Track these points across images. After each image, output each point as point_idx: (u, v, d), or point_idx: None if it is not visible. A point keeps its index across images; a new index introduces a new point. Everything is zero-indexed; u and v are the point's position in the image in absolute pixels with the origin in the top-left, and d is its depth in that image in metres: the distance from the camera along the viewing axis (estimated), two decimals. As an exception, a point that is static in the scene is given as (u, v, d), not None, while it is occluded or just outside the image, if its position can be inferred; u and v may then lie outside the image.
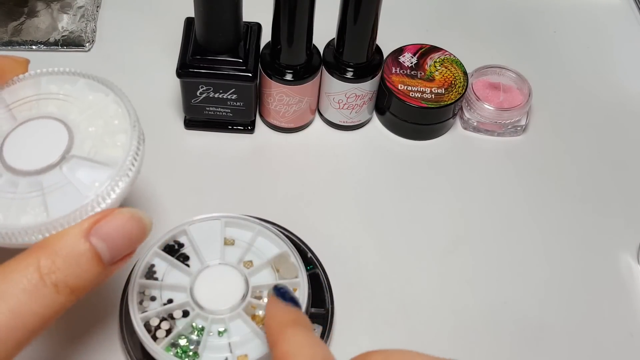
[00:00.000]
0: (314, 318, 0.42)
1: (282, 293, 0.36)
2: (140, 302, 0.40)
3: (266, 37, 0.49)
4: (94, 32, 0.57)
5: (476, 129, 0.54)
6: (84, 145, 0.35)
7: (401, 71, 0.52)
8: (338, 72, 0.49)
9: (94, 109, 0.37)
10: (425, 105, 0.51)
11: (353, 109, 0.51)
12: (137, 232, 0.31)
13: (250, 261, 0.42)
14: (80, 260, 0.29)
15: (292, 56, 0.48)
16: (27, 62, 0.38)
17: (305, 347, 0.31)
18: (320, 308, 0.43)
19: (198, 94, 0.49)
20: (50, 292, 0.28)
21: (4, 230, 0.32)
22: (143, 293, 0.40)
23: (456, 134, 0.54)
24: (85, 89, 0.38)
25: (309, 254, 0.45)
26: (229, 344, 0.38)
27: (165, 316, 0.39)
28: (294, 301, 0.36)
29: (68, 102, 0.37)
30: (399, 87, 0.51)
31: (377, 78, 0.50)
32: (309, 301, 0.40)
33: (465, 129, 0.54)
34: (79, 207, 0.32)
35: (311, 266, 0.44)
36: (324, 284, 0.44)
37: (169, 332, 0.38)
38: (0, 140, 0.35)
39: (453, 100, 0.51)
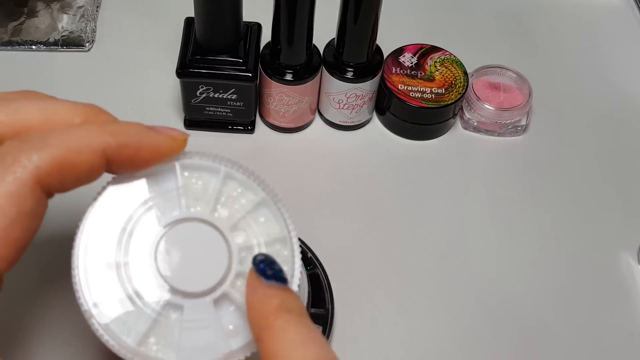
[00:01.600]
0: (314, 318, 0.42)
1: (262, 270, 0.28)
2: None
3: (266, 37, 0.49)
4: (94, 32, 0.57)
5: (476, 129, 0.54)
6: (237, 281, 0.30)
7: (401, 71, 0.52)
8: (338, 72, 0.49)
9: (261, 239, 0.31)
10: (426, 105, 0.51)
11: (353, 109, 0.51)
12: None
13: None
14: None
15: (292, 56, 0.48)
16: (186, 139, 0.31)
17: (296, 346, 0.26)
18: (320, 308, 0.43)
19: (198, 94, 0.49)
20: None
21: (119, 347, 0.28)
22: None
23: (456, 134, 0.54)
24: (261, 206, 0.32)
25: (309, 254, 0.45)
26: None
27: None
28: (277, 277, 0.28)
29: (238, 215, 0.31)
30: (399, 87, 0.51)
31: (377, 78, 0.50)
32: (309, 301, 0.40)
33: (465, 129, 0.54)
34: None
35: (311, 266, 0.44)
36: (324, 284, 0.44)
37: None
38: (163, 229, 0.30)
39: (453, 100, 0.51)
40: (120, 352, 0.28)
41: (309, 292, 0.40)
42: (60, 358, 0.41)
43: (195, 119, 0.52)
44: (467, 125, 0.54)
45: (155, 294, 0.29)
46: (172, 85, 0.53)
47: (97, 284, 0.29)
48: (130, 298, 0.29)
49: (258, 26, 0.50)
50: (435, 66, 0.52)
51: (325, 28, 0.49)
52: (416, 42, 0.54)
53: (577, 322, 0.45)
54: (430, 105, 0.51)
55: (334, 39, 0.49)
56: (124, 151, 0.28)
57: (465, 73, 0.52)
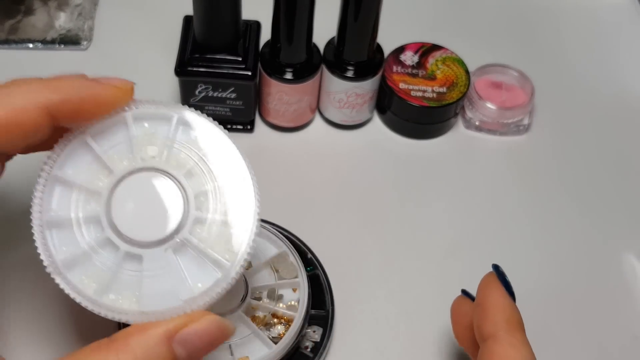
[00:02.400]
0: (314, 319, 0.42)
1: (501, 273, 0.34)
2: None
3: (266, 35, 0.48)
4: (92, 30, 0.56)
5: (478, 128, 0.53)
6: (197, 227, 0.31)
7: (402, 70, 0.52)
8: (338, 70, 0.49)
9: (221, 182, 0.31)
10: (427, 105, 0.50)
11: (354, 108, 0.51)
12: (219, 340, 0.29)
13: (249, 262, 0.36)
14: None
15: (292, 55, 0.47)
16: (132, 88, 0.31)
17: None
18: (321, 309, 0.42)
19: (197, 92, 0.49)
20: None
21: (90, 305, 0.29)
22: None
23: (458, 134, 0.54)
24: (214, 144, 0.32)
25: (309, 255, 0.44)
26: (230, 345, 0.38)
27: None
28: (511, 290, 0.34)
29: (192, 160, 0.32)
30: (400, 86, 0.51)
31: (378, 77, 0.50)
32: (309, 302, 0.40)
33: (467, 128, 0.54)
34: (170, 309, 0.29)
35: (311, 267, 0.44)
36: (324, 285, 0.43)
37: None
38: (105, 197, 0.30)
39: (455, 100, 0.51)
40: (83, 303, 0.29)
41: (309, 293, 0.40)
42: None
43: (194, 118, 0.51)
44: (468, 125, 0.54)
45: (113, 246, 0.30)
46: (170, 84, 0.53)
47: (57, 242, 0.30)
48: (88, 252, 0.30)
49: (257, 24, 0.49)
50: (437, 65, 0.52)
51: (325, 26, 0.49)
52: (417, 41, 0.53)
53: (580, 324, 0.45)
54: (431, 105, 0.50)
55: (334, 37, 0.49)
56: (67, 106, 0.29)
57: (467, 72, 0.52)
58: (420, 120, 0.52)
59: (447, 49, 0.53)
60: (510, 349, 0.31)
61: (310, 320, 0.41)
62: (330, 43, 0.50)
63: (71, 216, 0.30)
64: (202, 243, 0.30)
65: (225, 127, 0.51)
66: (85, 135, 0.31)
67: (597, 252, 0.48)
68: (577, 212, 0.50)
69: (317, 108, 0.53)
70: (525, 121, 0.53)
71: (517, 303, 0.46)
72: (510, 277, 0.47)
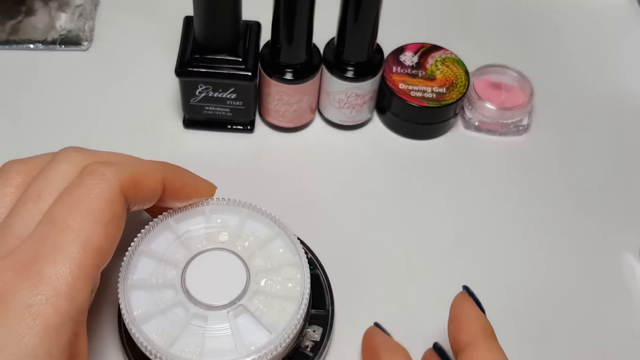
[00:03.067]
0: (314, 319, 0.42)
1: (472, 293, 0.38)
2: None
3: (266, 35, 0.48)
4: (92, 30, 0.57)
5: (478, 129, 0.54)
6: (255, 298, 0.37)
7: (402, 70, 0.52)
8: (338, 71, 0.49)
9: (276, 263, 0.38)
10: (426, 105, 0.50)
11: (353, 108, 0.51)
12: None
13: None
14: None
15: (292, 55, 0.48)
16: (215, 188, 0.40)
17: None
18: (321, 309, 0.42)
19: (197, 93, 0.49)
20: None
21: (155, 349, 0.34)
22: None
23: (457, 134, 0.54)
24: (276, 237, 0.39)
25: (309, 255, 0.44)
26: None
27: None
28: (481, 307, 0.37)
29: (256, 245, 0.39)
30: (400, 87, 0.51)
31: (377, 77, 0.50)
32: (310, 301, 0.40)
33: (466, 128, 0.54)
34: None
35: (312, 267, 0.44)
36: (324, 285, 0.44)
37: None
38: (190, 255, 0.38)
39: (454, 100, 0.51)
40: (153, 352, 0.34)
41: (309, 293, 0.40)
42: None
43: (195, 119, 0.51)
44: (468, 125, 0.54)
45: (183, 307, 0.36)
46: (171, 85, 0.53)
47: (138, 301, 0.36)
48: (164, 310, 0.36)
49: (257, 25, 0.50)
50: (436, 65, 0.52)
51: (325, 27, 0.49)
52: (417, 41, 0.54)
53: (578, 323, 0.45)
54: (431, 105, 0.50)
55: (334, 37, 0.49)
56: (175, 183, 0.37)
57: (467, 72, 0.52)
58: (419, 120, 0.52)
59: (446, 50, 0.53)
60: (487, 353, 0.34)
61: (310, 320, 0.41)
62: (330, 43, 0.50)
63: (152, 282, 0.37)
64: (258, 310, 0.36)
65: (225, 128, 0.52)
66: (170, 220, 0.39)
67: (596, 251, 0.49)
68: (576, 212, 0.50)
69: (317, 108, 0.53)
70: (525, 121, 0.53)
71: (516, 303, 0.46)
72: (509, 277, 0.48)
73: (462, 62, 0.53)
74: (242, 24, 0.47)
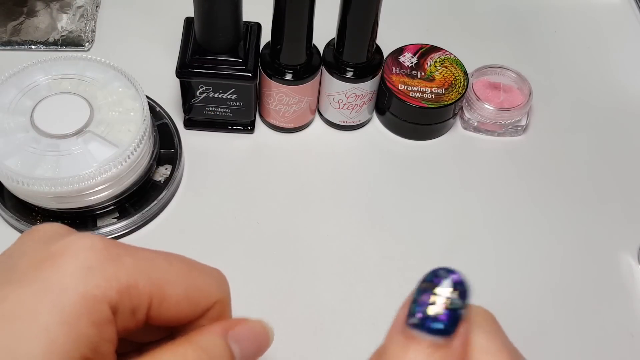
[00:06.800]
0: (164, 158, 0.48)
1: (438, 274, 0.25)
2: None
3: (266, 36, 0.49)
4: (94, 31, 0.57)
5: (476, 129, 0.54)
6: (100, 125, 0.43)
7: (401, 71, 0.52)
8: (338, 72, 0.49)
9: (116, 97, 0.45)
10: (426, 105, 0.51)
11: (353, 109, 0.51)
12: (264, 342, 0.31)
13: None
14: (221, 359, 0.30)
15: (292, 56, 0.48)
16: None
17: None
18: (170, 149, 0.49)
19: (198, 94, 0.49)
20: None
21: (20, 178, 0.41)
22: None
23: (456, 134, 0.54)
24: (114, 79, 0.45)
25: (157, 108, 0.50)
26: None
27: None
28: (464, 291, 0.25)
29: (96, 87, 0.45)
30: (399, 87, 0.51)
31: (377, 78, 0.50)
32: (158, 143, 0.48)
33: (465, 129, 0.54)
34: (83, 173, 0.41)
35: (161, 119, 0.50)
36: (172, 130, 0.50)
37: None
38: (35, 103, 0.43)
39: (453, 100, 0.51)
40: (16, 180, 0.40)
41: (155, 137, 0.47)
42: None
43: (195, 119, 0.52)
44: (467, 125, 0.54)
45: (37, 141, 0.42)
46: (171, 85, 0.53)
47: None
48: (19, 147, 0.42)
49: (258, 26, 0.50)
50: (435, 66, 0.52)
51: (325, 28, 0.49)
52: (416, 42, 0.54)
53: (577, 323, 0.45)
54: (430, 105, 0.51)
55: (333, 38, 0.49)
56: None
57: (465, 73, 0.52)
58: (419, 121, 0.52)
59: (445, 51, 0.53)
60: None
61: (161, 160, 0.48)
62: (329, 44, 0.50)
63: (4, 127, 0.42)
64: (104, 133, 0.43)
65: (225, 128, 0.52)
66: (12, 78, 0.45)
67: (594, 251, 0.49)
68: (574, 212, 0.51)
69: (317, 109, 0.53)
70: (523, 122, 0.53)
71: (516, 302, 0.46)
72: (508, 277, 0.48)
73: (461, 63, 0.53)
74: (242, 25, 0.48)
